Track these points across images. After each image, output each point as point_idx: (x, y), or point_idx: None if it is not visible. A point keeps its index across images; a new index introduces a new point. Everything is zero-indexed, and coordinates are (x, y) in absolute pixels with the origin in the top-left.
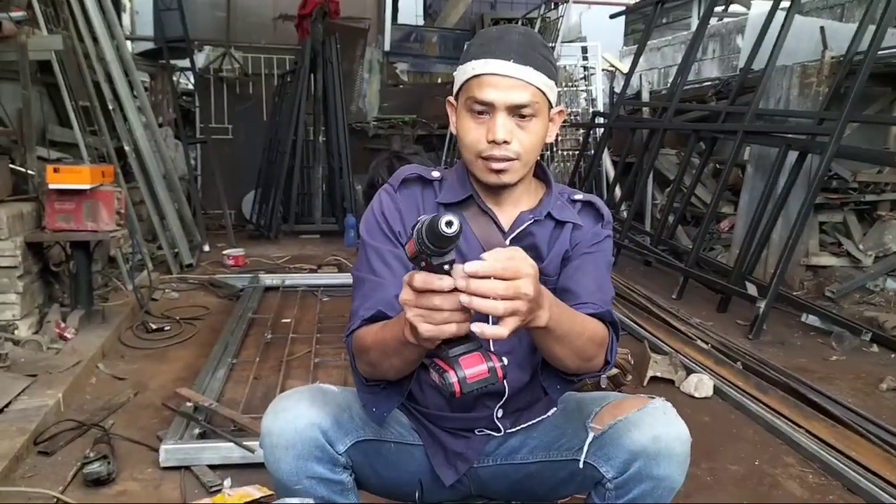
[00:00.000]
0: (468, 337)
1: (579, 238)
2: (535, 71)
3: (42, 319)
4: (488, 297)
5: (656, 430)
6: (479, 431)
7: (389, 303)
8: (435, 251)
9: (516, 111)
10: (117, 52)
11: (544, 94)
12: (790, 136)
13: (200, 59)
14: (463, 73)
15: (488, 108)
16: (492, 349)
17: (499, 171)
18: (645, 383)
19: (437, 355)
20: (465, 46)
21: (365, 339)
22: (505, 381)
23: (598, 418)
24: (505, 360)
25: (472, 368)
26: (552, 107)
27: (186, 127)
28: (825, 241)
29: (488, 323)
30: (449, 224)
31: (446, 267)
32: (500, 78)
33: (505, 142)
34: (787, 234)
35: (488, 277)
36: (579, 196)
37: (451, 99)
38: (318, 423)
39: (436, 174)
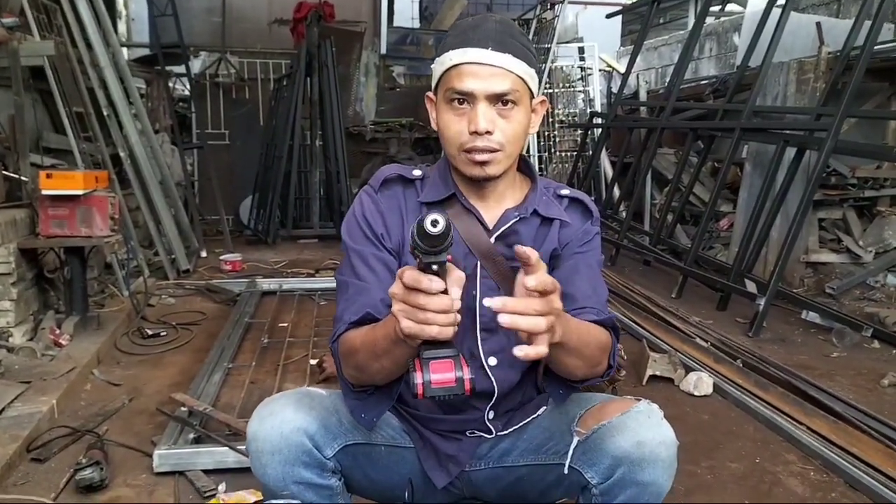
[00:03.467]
0: (449, 343)
1: (569, 237)
2: (514, 58)
3: (37, 326)
4: (528, 315)
5: (640, 434)
6: (470, 433)
7: (375, 306)
8: (425, 250)
9: (497, 100)
10: (112, 58)
11: (525, 82)
12: (788, 132)
13: (196, 65)
14: (440, 64)
15: (468, 99)
16: (481, 350)
17: (482, 164)
18: (644, 382)
19: (417, 355)
20: (442, 39)
21: (354, 341)
22: (494, 382)
23: (582, 422)
24: (491, 362)
25: (440, 374)
26: (533, 96)
27: (183, 132)
28: (825, 238)
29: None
30: (434, 223)
31: (434, 267)
32: (480, 66)
33: (487, 132)
34: (786, 230)
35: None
36: (566, 191)
37: (430, 94)
38: (305, 427)
39: (417, 173)
